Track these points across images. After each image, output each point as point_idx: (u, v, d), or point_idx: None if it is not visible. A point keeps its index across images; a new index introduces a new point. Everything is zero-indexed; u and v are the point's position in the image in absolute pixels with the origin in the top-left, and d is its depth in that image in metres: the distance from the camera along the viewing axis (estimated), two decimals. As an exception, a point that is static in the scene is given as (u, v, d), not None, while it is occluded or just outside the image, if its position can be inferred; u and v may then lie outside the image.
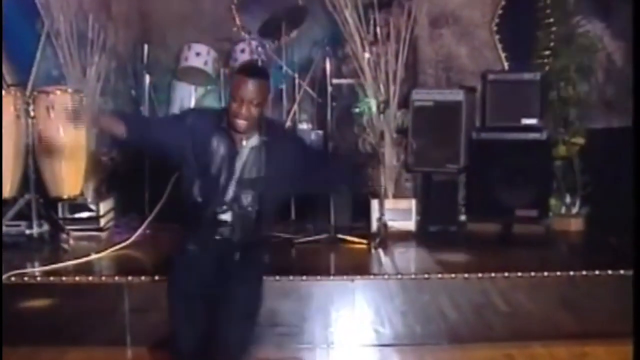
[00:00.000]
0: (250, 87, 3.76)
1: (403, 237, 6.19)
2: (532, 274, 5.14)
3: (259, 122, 3.87)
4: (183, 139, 3.84)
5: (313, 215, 6.41)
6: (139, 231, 6.06)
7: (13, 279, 5.16)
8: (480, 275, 5.18)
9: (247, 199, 3.87)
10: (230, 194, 3.86)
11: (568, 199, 6.46)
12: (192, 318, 3.92)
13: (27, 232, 6.13)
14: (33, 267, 5.45)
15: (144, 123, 4.01)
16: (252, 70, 4.00)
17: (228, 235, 3.90)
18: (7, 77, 6.76)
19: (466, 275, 5.19)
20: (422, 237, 6.25)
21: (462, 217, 6.53)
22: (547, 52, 6.47)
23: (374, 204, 6.18)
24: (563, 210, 6.47)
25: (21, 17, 6.81)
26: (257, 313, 3.96)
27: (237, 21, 7.24)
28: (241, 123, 3.78)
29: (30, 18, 6.74)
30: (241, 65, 4.15)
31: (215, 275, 3.89)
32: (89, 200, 6.42)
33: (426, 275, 5.21)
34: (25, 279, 5.20)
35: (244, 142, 3.86)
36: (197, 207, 3.87)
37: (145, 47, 6.70)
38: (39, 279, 5.22)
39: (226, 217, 3.88)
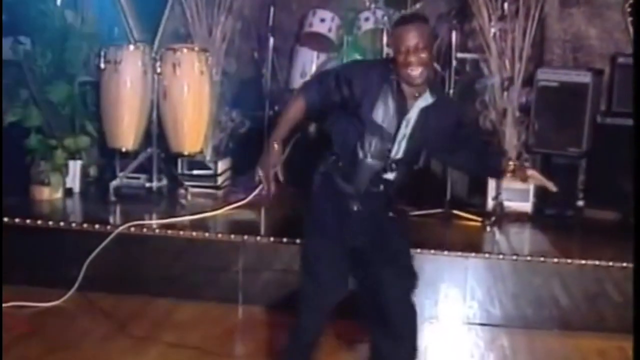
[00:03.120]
0: (412, 33, 3.51)
1: (518, 218, 6.01)
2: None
3: (430, 79, 3.66)
4: (358, 106, 3.61)
5: (429, 189, 6.24)
6: (256, 192, 5.99)
7: (132, 229, 5.20)
8: (597, 262, 5.00)
9: (417, 157, 3.67)
10: (399, 153, 3.66)
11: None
12: (334, 280, 3.75)
13: (147, 185, 6.20)
14: (151, 219, 5.49)
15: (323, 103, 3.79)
16: (409, 17, 3.75)
17: (386, 191, 3.69)
18: (135, 34, 6.79)
19: (582, 261, 5.02)
20: (538, 219, 6.03)
21: (580, 203, 6.25)
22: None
23: (491, 182, 6.00)
24: (687, 202, 6.15)
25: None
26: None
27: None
28: (416, 71, 3.55)
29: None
30: (398, 18, 3.90)
31: (371, 230, 3.71)
32: (208, 158, 6.40)
33: (542, 259, 5.06)
34: (144, 230, 5.23)
35: (413, 101, 3.66)
36: (362, 163, 3.65)
37: (271, 9, 6.57)
38: (156, 231, 5.24)
39: (390, 175, 3.69)
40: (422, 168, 3.77)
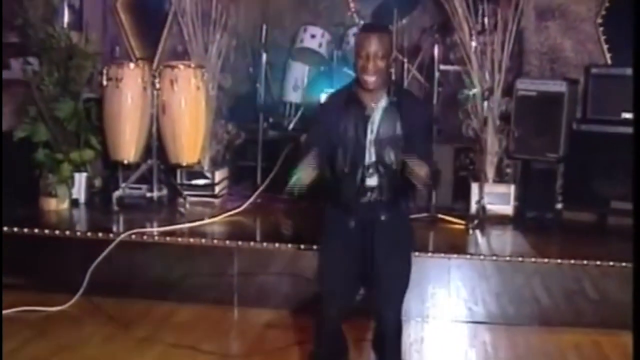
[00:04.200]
0: (373, 41, 3.68)
1: (500, 220, 6.12)
2: (623, 264, 5.02)
3: (387, 83, 3.82)
4: (329, 129, 3.79)
5: (415, 194, 6.37)
6: (251, 199, 6.17)
7: (133, 236, 5.34)
8: (572, 261, 5.12)
9: (389, 156, 3.76)
10: (372, 157, 3.79)
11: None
12: (345, 286, 3.90)
13: (148, 194, 6.32)
14: (152, 227, 5.62)
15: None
16: (373, 27, 3.96)
17: (376, 198, 3.81)
18: (137, 52, 6.95)
19: (559, 260, 5.13)
20: (519, 221, 6.15)
21: (559, 206, 6.37)
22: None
23: (474, 187, 6.15)
24: (660, 205, 6.26)
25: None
26: (410, 274, 3.90)
27: (352, 6, 7.23)
28: (370, 79, 3.69)
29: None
30: (363, 25, 4.10)
31: (366, 239, 3.84)
32: (206, 168, 6.54)
33: (520, 259, 5.18)
34: (145, 237, 5.37)
35: (373, 105, 3.81)
36: (344, 177, 3.79)
37: (264, 27, 6.72)
38: (156, 238, 5.38)
39: (372, 181, 3.81)
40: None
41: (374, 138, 3.77)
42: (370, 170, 3.79)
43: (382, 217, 3.82)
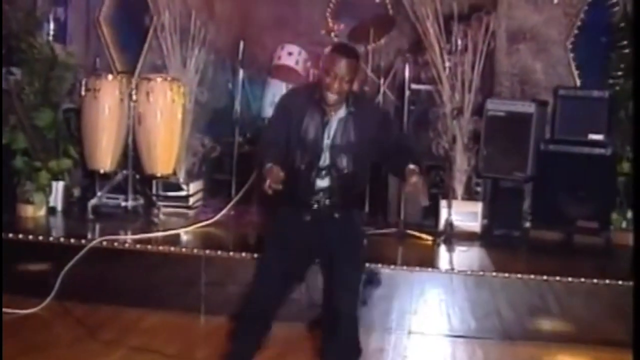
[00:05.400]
0: (342, 65, 3.82)
1: (468, 237, 6.18)
2: (588, 280, 5.13)
3: (347, 97, 3.94)
4: (289, 123, 3.95)
5: (385, 210, 6.46)
6: (224, 211, 6.24)
7: (105, 243, 5.40)
8: (532, 277, 5.18)
9: (342, 162, 3.93)
10: (326, 160, 3.94)
11: (630, 215, 6.33)
12: (282, 283, 4.03)
13: (123, 204, 6.35)
14: (125, 234, 5.68)
15: (276, 143, 4.03)
16: (345, 49, 4.01)
17: (326, 199, 3.97)
18: (118, 65, 7.05)
19: (519, 275, 5.19)
20: (486, 239, 6.22)
21: (527, 224, 6.46)
22: (619, 73, 6.37)
23: (443, 203, 6.21)
24: (624, 224, 6.34)
25: (132, 13, 7.13)
26: (362, 270, 4.07)
27: (330, 26, 7.34)
28: (332, 97, 3.85)
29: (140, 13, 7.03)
30: (335, 45, 4.22)
31: (315, 239, 4.00)
32: (181, 180, 6.60)
33: (481, 273, 5.24)
34: (116, 244, 5.44)
35: (333, 113, 3.93)
36: (296, 175, 3.92)
37: (242, 43, 6.82)
38: (127, 245, 5.45)
39: (324, 183, 3.96)
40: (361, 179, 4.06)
41: (330, 143, 3.92)
42: (324, 173, 3.93)
43: (335, 215, 3.98)
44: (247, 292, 4.31)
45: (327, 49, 4.23)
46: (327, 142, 3.94)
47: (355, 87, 4.22)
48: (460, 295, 5.21)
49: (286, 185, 3.81)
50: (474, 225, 6.30)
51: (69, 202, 6.51)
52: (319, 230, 4.00)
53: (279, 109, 4.14)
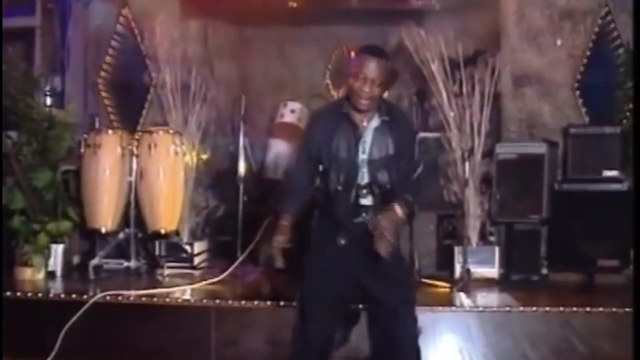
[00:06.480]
0: (373, 66, 3.59)
1: (485, 284, 5.90)
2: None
3: (379, 104, 3.69)
4: (318, 149, 3.74)
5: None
6: (232, 267, 5.95)
7: (108, 298, 5.12)
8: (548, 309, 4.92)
9: (383, 177, 3.67)
10: (364, 177, 3.68)
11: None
12: (330, 309, 3.77)
13: (125, 264, 6.11)
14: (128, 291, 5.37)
15: (298, 190, 3.88)
16: (375, 50, 3.78)
17: (371, 218, 3.68)
18: (116, 125, 6.90)
19: (547, 308, 4.93)
20: (504, 284, 5.94)
21: (544, 268, 6.18)
22: (626, 109, 6.23)
23: (458, 251, 5.97)
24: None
25: (130, 74, 7.03)
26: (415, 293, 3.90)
27: (330, 86, 7.26)
28: (364, 103, 3.61)
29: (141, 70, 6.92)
30: (364, 46, 3.94)
31: (356, 258, 3.72)
32: (185, 240, 6.37)
33: (507, 309, 4.98)
34: (120, 298, 5.15)
35: (365, 124, 3.67)
36: (337, 196, 3.68)
37: (242, 97, 6.67)
38: (131, 299, 5.16)
39: (367, 201, 3.69)
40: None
41: (367, 158, 3.66)
42: (365, 191, 3.67)
43: None
44: (292, 337, 4.04)
45: (354, 52, 4.02)
46: (362, 157, 3.68)
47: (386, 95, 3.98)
48: (480, 336, 4.91)
49: (324, 209, 3.58)
50: (492, 271, 6.05)
51: (69, 267, 6.22)
52: (362, 252, 3.69)
53: (306, 137, 3.91)
